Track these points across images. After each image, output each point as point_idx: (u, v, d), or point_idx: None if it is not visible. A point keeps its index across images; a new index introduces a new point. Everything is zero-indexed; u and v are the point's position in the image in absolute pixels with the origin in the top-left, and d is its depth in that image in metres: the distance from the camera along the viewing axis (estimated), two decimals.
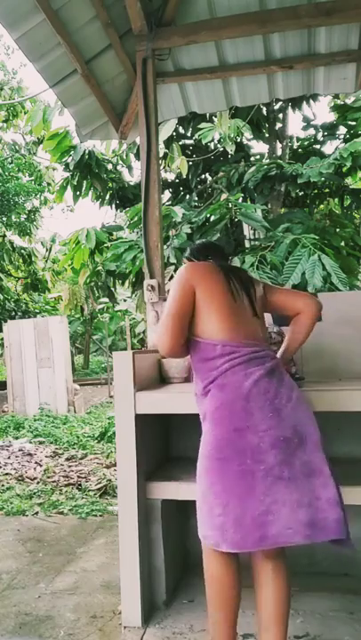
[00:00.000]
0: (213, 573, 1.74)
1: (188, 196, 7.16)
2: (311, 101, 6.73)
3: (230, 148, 6.49)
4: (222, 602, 1.74)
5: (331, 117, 6.99)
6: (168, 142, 6.50)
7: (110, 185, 7.13)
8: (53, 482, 4.62)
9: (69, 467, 5.18)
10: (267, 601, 1.72)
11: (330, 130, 6.91)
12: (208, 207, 5.54)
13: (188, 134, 7.22)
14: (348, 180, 6.82)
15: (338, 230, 5.56)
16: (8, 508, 3.90)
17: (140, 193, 3.20)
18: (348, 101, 6.62)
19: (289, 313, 2.09)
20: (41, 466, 5.23)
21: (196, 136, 6.37)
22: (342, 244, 5.44)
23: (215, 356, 1.80)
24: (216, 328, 1.83)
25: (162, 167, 6.65)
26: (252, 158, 7.22)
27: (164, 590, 2.36)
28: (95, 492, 4.22)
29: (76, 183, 6.74)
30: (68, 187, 6.82)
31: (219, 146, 7.11)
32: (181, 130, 7.18)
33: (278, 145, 7.07)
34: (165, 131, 5.88)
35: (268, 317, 2.64)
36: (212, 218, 5.32)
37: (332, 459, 1.73)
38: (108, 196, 7.27)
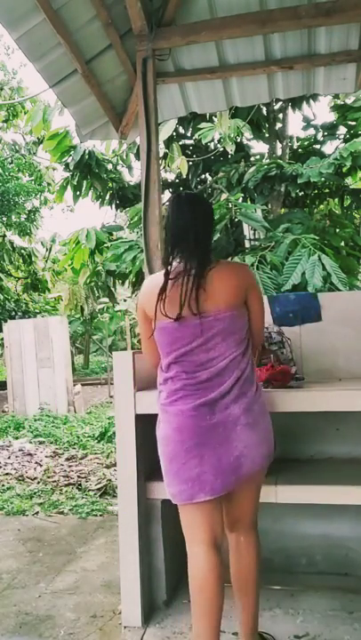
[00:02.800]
0: (198, 574, 1.75)
1: None
2: (311, 101, 6.72)
3: (230, 148, 6.48)
4: (206, 606, 1.73)
5: (331, 117, 6.98)
6: (168, 142, 6.50)
7: (110, 185, 7.13)
8: (53, 482, 4.62)
9: (69, 467, 5.18)
10: (241, 572, 1.88)
11: (330, 130, 6.90)
12: None
13: (188, 134, 7.22)
14: (349, 180, 6.81)
15: (338, 230, 5.55)
16: (8, 508, 3.91)
17: (140, 193, 3.20)
18: (349, 101, 6.61)
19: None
20: (41, 466, 5.23)
21: (196, 136, 6.36)
22: (342, 244, 5.44)
23: None
24: None
25: (162, 167, 6.64)
26: (252, 158, 7.21)
27: (164, 590, 2.36)
28: (95, 492, 4.22)
29: (76, 183, 6.73)
30: (68, 187, 6.82)
31: (219, 146, 7.10)
32: (181, 130, 7.17)
33: (278, 145, 7.06)
34: (165, 131, 5.87)
35: (267, 317, 2.65)
36: None
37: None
38: (108, 196, 7.27)
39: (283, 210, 6.76)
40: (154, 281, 1.87)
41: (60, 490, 4.36)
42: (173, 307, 1.76)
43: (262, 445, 1.81)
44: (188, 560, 1.80)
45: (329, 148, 7.02)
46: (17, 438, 6.74)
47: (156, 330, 1.85)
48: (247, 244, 5.91)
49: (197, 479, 1.72)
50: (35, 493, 4.27)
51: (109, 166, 7.02)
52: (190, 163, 6.99)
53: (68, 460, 5.51)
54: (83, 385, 12.57)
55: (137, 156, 6.85)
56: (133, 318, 13.47)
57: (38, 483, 4.62)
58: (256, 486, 1.91)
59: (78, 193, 6.83)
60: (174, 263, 1.83)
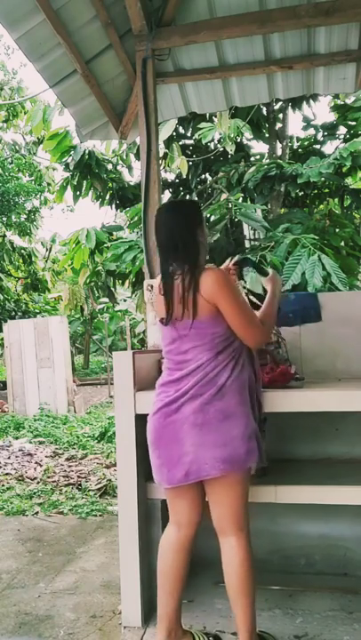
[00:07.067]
0: (161, 547, 2.03)
1: (188, 196, 7.15)
2: (311, 101, 6.72)
3: (230, 148, 6.48)
4: (161, 572, 2.00)
5: (331, 117, 6.98)
6: (168, 142, 6.50)
7: (110, 185, 7.12)
8: (53, 482, 4.63)
9: (69, 467, 5.18)
10: (230, 576, 1.91)
11: (330, 130, 6.90)
12: (208, 207, 5.54)
13: (188, 134, 7.22)
14: (349, 180, 6.81)
15: (338, 230, 5.54)
16: (8, 508, 3.91)
17: (140, 193, 3.20)
18: (349, 101, 6.61)
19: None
20: (41, 466, 5.23)
21: (196, 136, 6.37)
22: (342, 243, 5.43)
23: None
24: None
25: (162, 167, 6.65)
26: (252, 158, 7.22)
27: None
28: (95, 492, 4.22)
29: (76, 183, 6.73)
30: (68, 187, 6.82)
31: (219, 146, 7.10)
32: (181, 130, 7.17)
33: (278, 145, 7.06)
34: (165, 131, 5.87)
35: None
36: (212, 218, 5.32)
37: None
38: (108, 196, 7.27)
39: (283, 210, 6.76)
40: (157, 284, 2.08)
41: (60, 490, 4.36)
42: (162, 310, 1.98)
43: (215, 449, 1.84)
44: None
45: (329, 148, 7.03)
46: (17, 438, 6.74)
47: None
48: (247, 244, 5.90)
49: (159, 469, 1.96)
50: (34, 493, 4.27)
51: (109, 166, 7.01)
52: (190, 163, 6.99)
53: (67, 460, 5.51)
54: (83, 385, 12.59)
55: (137, 156, 6.85)
56: (133, 318, 13.47)
57: (38, 483, 4.62)
58: (225, 492, 1.90)
59: (78, 193, 6.83)
60: (170, 269, 1.97)
